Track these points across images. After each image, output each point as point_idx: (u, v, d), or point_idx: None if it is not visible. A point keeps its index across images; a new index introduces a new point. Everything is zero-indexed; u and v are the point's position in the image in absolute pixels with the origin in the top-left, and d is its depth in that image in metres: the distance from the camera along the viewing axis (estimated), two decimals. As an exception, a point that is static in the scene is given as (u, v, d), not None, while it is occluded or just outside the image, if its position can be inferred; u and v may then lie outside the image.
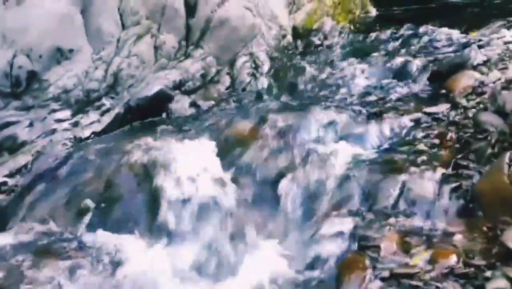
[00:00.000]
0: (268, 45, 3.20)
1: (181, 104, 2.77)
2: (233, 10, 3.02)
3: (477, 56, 2.56)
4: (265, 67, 3.07)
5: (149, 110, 2.70)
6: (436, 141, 2.16)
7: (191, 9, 2.93)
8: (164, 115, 2.75)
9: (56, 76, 2.44)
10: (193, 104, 2.81)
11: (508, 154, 1.72)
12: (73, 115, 2.47)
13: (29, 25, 2.41)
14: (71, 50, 2.52)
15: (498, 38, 2.78)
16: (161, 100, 2.75)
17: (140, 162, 2.18)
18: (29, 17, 2.43)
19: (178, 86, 2.83)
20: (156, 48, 2.80)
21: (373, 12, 4.31)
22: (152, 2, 2.78)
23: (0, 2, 2.40)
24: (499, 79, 2.28)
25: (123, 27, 2.71)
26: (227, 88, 2.96)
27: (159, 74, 2.77)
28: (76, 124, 2.45)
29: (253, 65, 3.05)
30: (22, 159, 2.31)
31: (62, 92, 2.46)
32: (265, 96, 2.92)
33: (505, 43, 2.62)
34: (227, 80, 2.98)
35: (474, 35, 3.36)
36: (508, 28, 3.09)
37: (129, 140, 2.39)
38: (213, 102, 2.86)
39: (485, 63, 2.50)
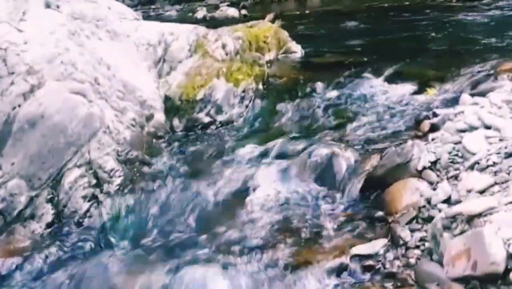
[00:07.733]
0: (118, 141, 2.76)
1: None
2: (52, 100, 2.63)
3: (422, 154, 2.42)
4: (115, 180, 2.73)
5: None
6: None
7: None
8: None
9: None
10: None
11: None
12: None
13: None
14: None
15: (454, 115, 2.51)
16: None
17: None
18: None
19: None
20: None
21: (298, 51, 4.08)
22: None
23: None
24: (448, 199, 2.18)
25: None
26: (48, 226, 2.61)
27: None
28: None
29: (93, 182, 2.69)
30: None
31: None
32: (113, 236, 2.59)
33: (459, 130, 2.40)
34: (48, 213, 2.62)
35: (431, 95, 3.24)
36: (473, 88, 2.94)
37: None
38: (20, 258, 2.44)
39: (433, 165, 2.39)
